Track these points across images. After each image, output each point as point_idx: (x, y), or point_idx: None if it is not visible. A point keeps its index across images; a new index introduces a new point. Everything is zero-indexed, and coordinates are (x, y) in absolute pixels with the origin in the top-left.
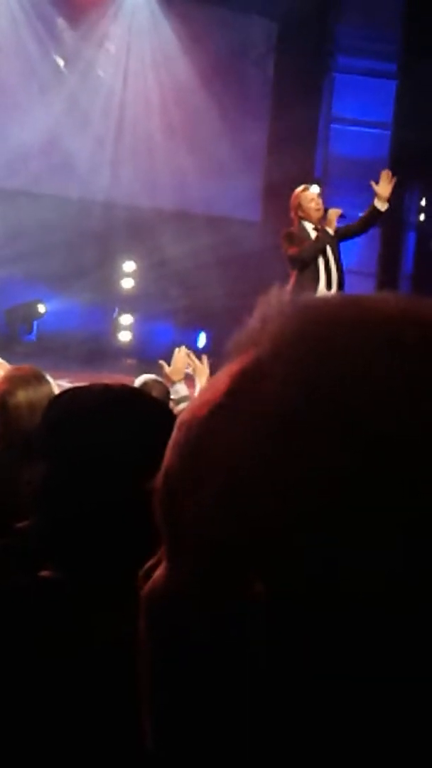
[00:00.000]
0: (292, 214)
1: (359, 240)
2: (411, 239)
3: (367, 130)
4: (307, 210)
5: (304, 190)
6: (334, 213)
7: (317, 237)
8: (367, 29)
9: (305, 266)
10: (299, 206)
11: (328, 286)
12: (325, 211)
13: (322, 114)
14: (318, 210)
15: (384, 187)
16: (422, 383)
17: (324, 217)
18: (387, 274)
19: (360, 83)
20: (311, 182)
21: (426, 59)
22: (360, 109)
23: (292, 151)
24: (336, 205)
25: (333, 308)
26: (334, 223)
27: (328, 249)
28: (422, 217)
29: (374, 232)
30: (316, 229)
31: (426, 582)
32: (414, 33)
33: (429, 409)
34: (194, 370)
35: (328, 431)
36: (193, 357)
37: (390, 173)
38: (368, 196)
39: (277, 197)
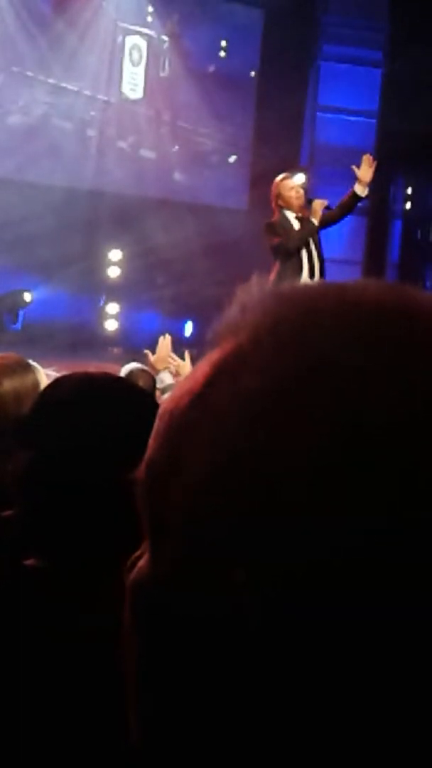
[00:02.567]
0: (273, 204)
1: (345, 229)
2: (397, 228)
3: (353, 118)
4: (287, 199)
5: (284, 179)
6: (319, 204)
7: (302, 226)
8: (353, 18)
9: (289, 256)
10: (279, 195)
11: (311, 275)
12: (310, 201)
13: (308, 102)
14: (298, 198)
15: (365, 171)
16: (401, 371)
17: (307, 206)
18: (373, 263)
19: (346, 72)
20: (297, 171)
21: (412, 47)
22: (346, 98)
23: (279, 140)
24: (322, 194)
25: (313, 296)
26: (320, 213)
27: (310, 239)
28: (408, 205)
29: (360, 221)
30: (298, 218)
31: (405, 563)
32: (400, 21)
33: (411, 397)
34: (177, 368)
35: (308, 419)
36: (174, 356)
37: (371, 158)
38: (353, 184)
39: (264, 186)
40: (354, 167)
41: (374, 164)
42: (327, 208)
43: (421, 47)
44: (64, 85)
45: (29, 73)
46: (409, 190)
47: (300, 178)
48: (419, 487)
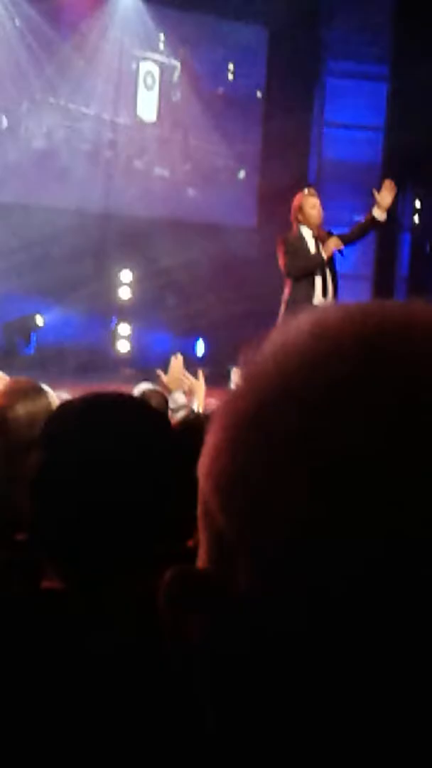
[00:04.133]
0: (292, 218)
1: (354, 244)
2: (406, 241)
3: (359, 133)
4: (307, 215)
5: (309, 195)
6: (333, 243)
7: (316, 250)
8: (358, 33)
9: (297, 279)
10: (300, 209)
11: (324, 294)
12: (330, 233)
13: (315, 119)
14: (318, 217)
15: (385, 196)
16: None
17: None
18: (383, 276)
19: (351, 87)
20: (305, 187)
21: (417, 61)
22: (352, 113)
23: (286, 157)
24: (331, 209)
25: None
26: (331, 252)
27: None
28: (417, 219)
29: (369, 236)
30: (314, 236)
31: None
32: (404, 36)
33: (379, 426)
34: (190, 387)
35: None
36: (187, 375)
37: (393, 183)
38: (362, 199)
39: (273, 203)
40: (375, 191)
41: (395, 190)
42: (340, 252)
43: (425, 60)
44: (84, 110)
45: (51, 100)
46: (418, 204)
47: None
48: None
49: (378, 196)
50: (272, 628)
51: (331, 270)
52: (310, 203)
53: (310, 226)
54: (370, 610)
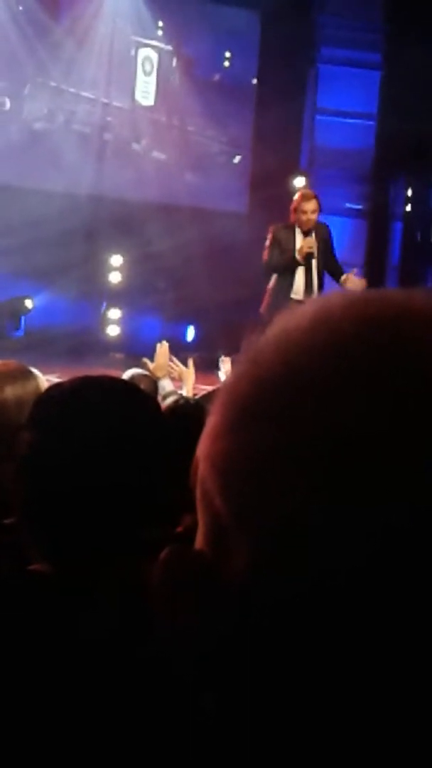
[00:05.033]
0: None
1: (346, 232)
2: (397, 230)
3: (352, 121)
4: (299, 220)
5: (306, 199)
6: (307, 247)
7: (285, 256)
8: (350, 19)
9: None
10: (296, 210)
11: (308, 288)
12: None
13: (307, 105)
14: (307, 223)
15: (354, 284)
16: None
17: (309, 233)
18: (374, 265)
19: (344, 74)
20: (297, 174)
21: (410, 49)
22: (345, 100)
23: (278, 143)
24: (322, 196)
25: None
26: (303, 254)
27: (312, 254)
28: (408, 207)
29: (361, 224)
30: (304, 233)
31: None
32: (397, 22)
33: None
34: (179, 374)
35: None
36: (176, 362)
37: (366, 282)
38: (354, 186)
39: (264, 189)
40: (349, 278)
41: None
42: (310, 256)
43: (418, 48)
44: (84, 93)
45: (53, 84)
46: (409, 192)
47: (300, 182)
48: None
49: (347, 283)
50: (270, 609)
51: (318, 268)
52: (303, 208)
53: (301, 228)
54: (372, 587)
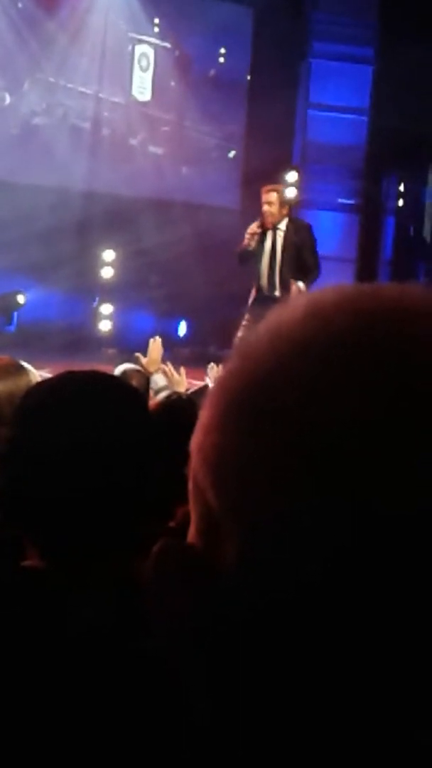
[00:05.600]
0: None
1: (338, 227)
2: (390, 225)
3: (344, 116)
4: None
5: (264, 191)
6: (248, 231)
7: (242, 248)
8: (343, 14)
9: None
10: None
11: (270, 287)
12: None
13: (300, 100)
14: (265, 215)
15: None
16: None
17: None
18: (366, 260)
19: (337, 69)
20: (289, 169)
21: (402, 44)
22: (337, 95)
23: (271, 138)
24: (315, 191)
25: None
26: (242, 248)
27: (276, 246)
28: (401, 202)
29: (353, 219)
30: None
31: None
32: (390, 17)
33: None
34: (170, 381)
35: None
36: (170, 367)
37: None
38: (346, 182)
39: (256, 184)
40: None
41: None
42: (248, 252)
43: (411, 43)
44: (79, 89)
45: (51, 79)
46: (402, 187)
47: (293, 176)
48: None
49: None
50: (261, 601)
51: (283, 262)
52: (262, 201)
53: (262, 221)
54: (361, 579)
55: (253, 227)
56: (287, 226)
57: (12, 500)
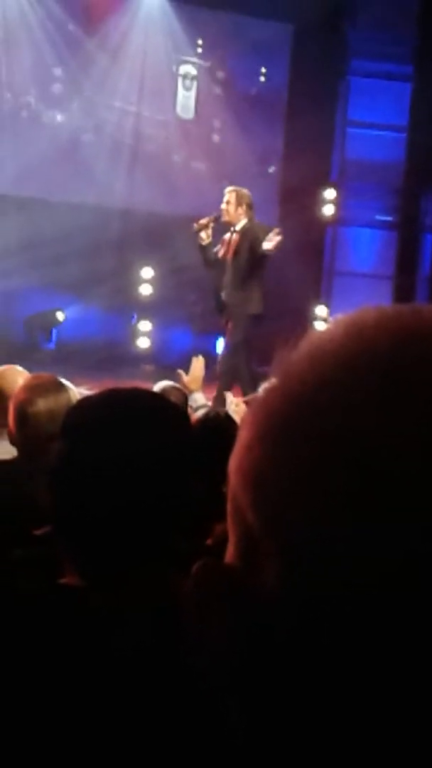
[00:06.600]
0: None
1: (376, 243)
2: (428, 242)
3: (382, 133)
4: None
5: (228, 202)
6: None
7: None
8: (382, 32)
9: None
10: None
11: (225, 287)
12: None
13: (338, 118)
14: (225, 216)
15: (273, 241)
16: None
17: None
18: (404, 277)
19: (375, 86)
20: (327, 186)
21: None
22: (375, 113)
23: (309, 155)
24: (353, 208)
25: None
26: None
27: (237, 250)
28: None
29: (391, 236)
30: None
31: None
32: (428, 35)
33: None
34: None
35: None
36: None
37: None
38: (384, 199)
39: (294, 201)
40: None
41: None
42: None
43: None
44: (125, 107)
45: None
46: None
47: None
48: None
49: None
50: (300, 623)
51: (236, 265)
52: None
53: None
54: (407, 604)
55: (204, 219)
56: (243, 229)
57: (62, 517)
